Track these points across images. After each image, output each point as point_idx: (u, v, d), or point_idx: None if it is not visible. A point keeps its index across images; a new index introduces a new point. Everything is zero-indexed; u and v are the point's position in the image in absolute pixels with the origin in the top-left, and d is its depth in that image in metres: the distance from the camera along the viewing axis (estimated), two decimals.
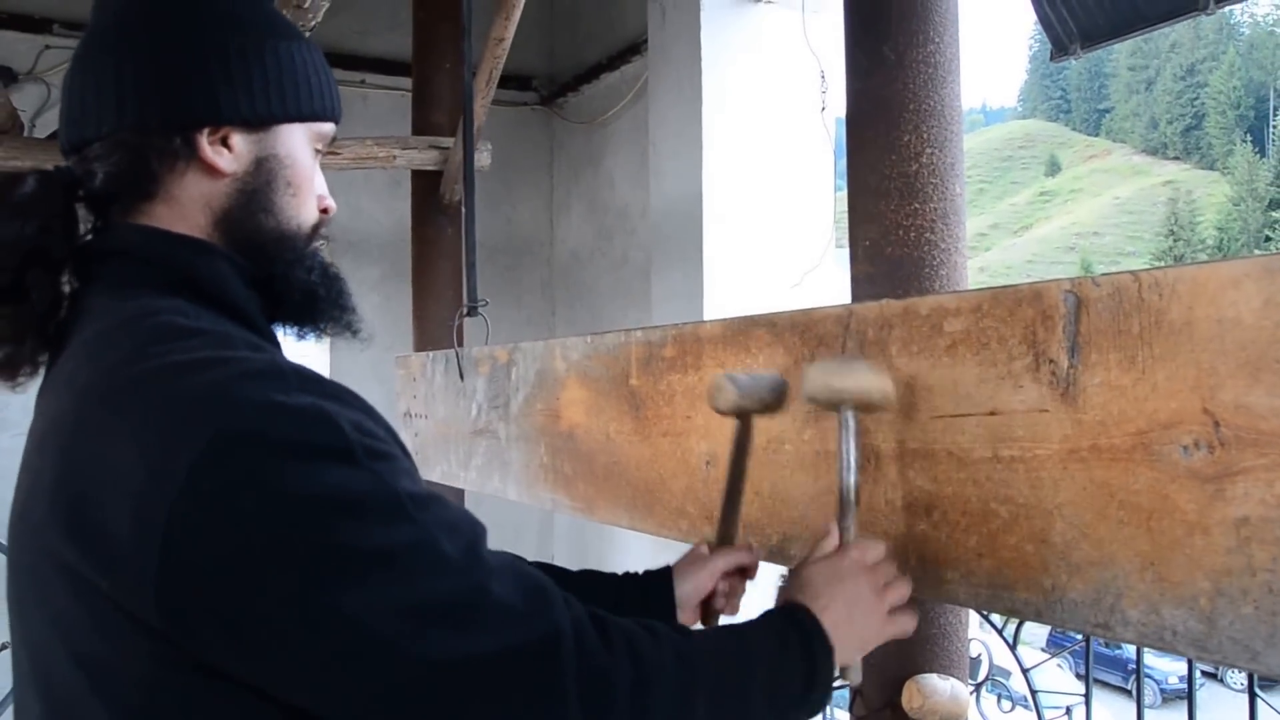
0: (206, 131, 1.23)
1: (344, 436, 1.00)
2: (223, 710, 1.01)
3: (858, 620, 1.36)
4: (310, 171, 1.33)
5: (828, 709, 3.88)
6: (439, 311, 4.78)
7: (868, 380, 1.44)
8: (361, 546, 0.97)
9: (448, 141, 4.91)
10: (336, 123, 1.37)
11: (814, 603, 1.34)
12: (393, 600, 0.97)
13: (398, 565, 0.99)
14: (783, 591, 1.39)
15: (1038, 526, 1.32)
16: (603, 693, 1.06)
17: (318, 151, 1.36)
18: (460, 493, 3.45)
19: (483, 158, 4.86)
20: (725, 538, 1.60)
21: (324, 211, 1.37)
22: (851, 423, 1.45)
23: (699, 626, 1.56)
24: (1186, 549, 1.15)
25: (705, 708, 1.15)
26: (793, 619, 1.32)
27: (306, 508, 0.97)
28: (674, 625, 1.24)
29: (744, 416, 1.56)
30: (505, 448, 2.70)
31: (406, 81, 5.33)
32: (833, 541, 1.43)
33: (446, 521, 1.05)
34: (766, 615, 1.34)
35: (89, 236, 1.26)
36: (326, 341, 1.38)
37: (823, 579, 1.37)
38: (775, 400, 1.57)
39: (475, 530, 1.08)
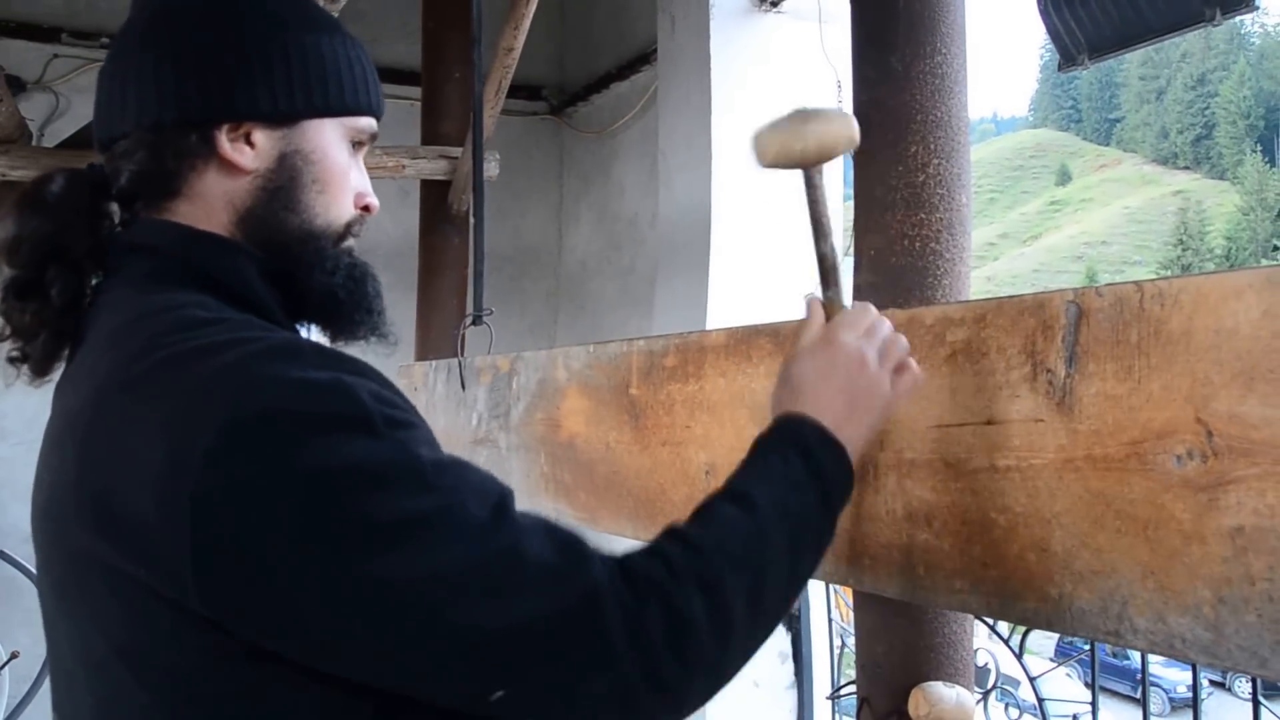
0: (226, 128, 1.23)
1: (363, 406, 1.00)
2: (271, 693, 1.02)
3: (861, 404, 1.29)
4: (343, 168, 1.31)
5: (836, 719, 3.89)
6: (442, 321, 4.80)
7: (826, 129, 1.30)
8: (388, 516, 0.97)
9: (457, 151, 4.92)
10: (376, 117, 1.35)
11: (811, 406, 1.27)
12: (427, 567, 0.97)
13: (427, 532, 0.98)
14: (776, 399, 1.32)
15: (1037, 535, 1.32)
16: (646, 643, 1.03)
17: (357, 146, 1.34)
18: None
19: (491, 167, 4.87)
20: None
21: (365, 209, 1.35)
22: (818, 180, 1.34)
23: None
24: (1185, 558, 1.15)
25: (743, 615, 1.12)
26: (791, 436, 1.25)
27: (330, 480, 0.96)
28: (684, 541, 1.14)
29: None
30: (505, 457, 2.70)
31: (416, 91, 5.34)
32: (817, 321, 1.36)
33: (473, 485, 1.04)
34: (765, 450, 1.26)
35: (116, 231, 1.27)
36: (339, 343, 1.36)
37: (814, 374, 1.31)
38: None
39: (502, 492, 1.06)
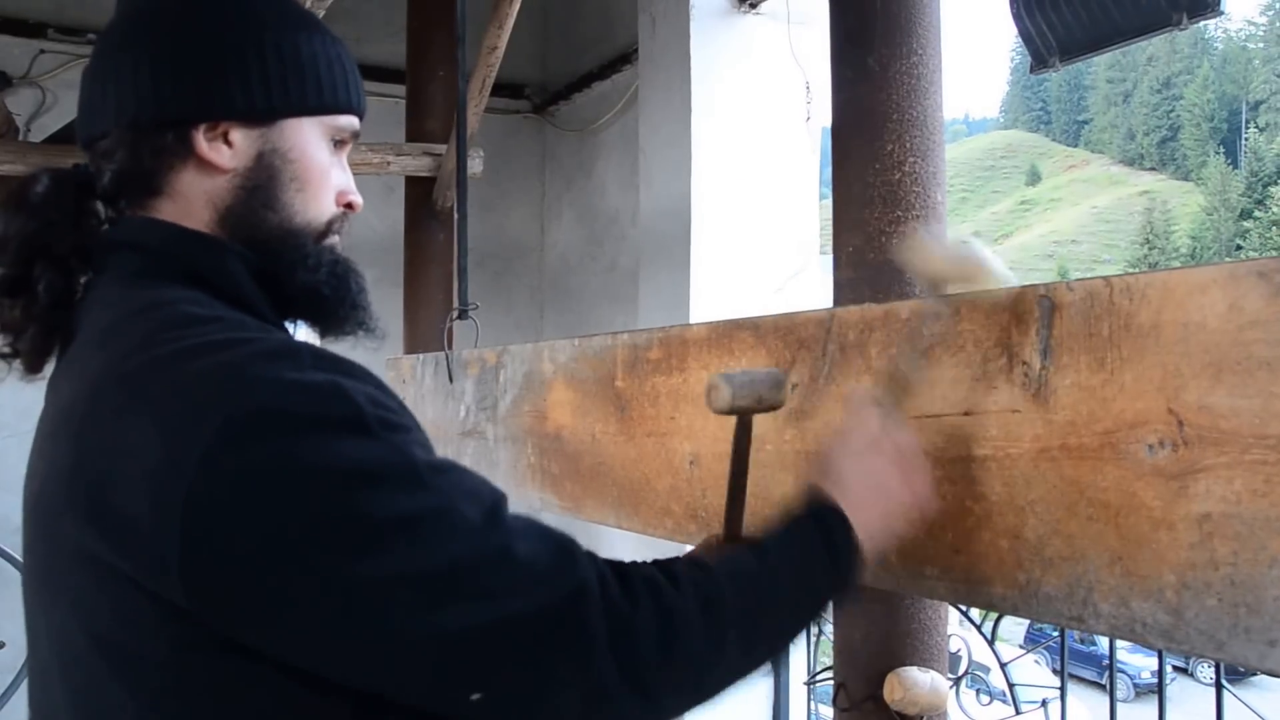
0: (203, 128, 1.24)
1: (358, 409, 1.01)
2: (247, 690, 1.02)
3: (882, 502, 1.32)
4: (323, 167, 1.32)
5: (812, 704, 3.92)
6: (429, 315, 4.81)
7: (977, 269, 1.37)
8: (381, 516, 0.98)
9: (441, 148, 4.94)
10: (357, 114, 1.36)
11: (837, 487, 1.30)
12: (417, 568, 0.98)
13: (420, 533, 0.99)
14: (809, 472, 1.35)
15: (1011, 523, 1.35)
16: (631, 645, 1.05)
17: (339, 144, 1.35)
18: None
19: (475, 164, 4.88)
20: (732, 535, 1.60)
21: (348, 206, 1.36)
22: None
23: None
24: (1153, 544, 1.18)
25: (736, 641, 1.15)
26: (815, 514, 1.28)
27: (324, 480, 0.98)
28: (692, 561, 1.23)
29: (742, 415, 1.53)
30: (493, 448, 2.72)
31: (401, 89, 5.35)
32: (870, 416, 1.38)
33: (466, 488, 1.06)
34: (787, 519, 1.30)
35: (103, 229, 1.28)
36: (328, 339, 1.38)
37: (851, 459, 1.34)
38: (772, 396, 1.50)
39: (495, 495, 1.08)
